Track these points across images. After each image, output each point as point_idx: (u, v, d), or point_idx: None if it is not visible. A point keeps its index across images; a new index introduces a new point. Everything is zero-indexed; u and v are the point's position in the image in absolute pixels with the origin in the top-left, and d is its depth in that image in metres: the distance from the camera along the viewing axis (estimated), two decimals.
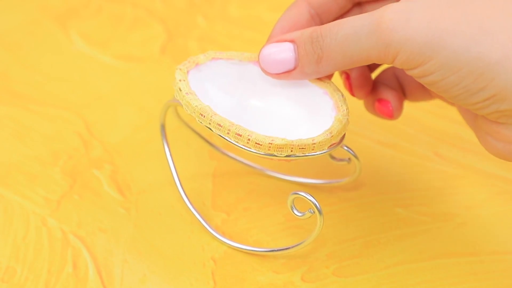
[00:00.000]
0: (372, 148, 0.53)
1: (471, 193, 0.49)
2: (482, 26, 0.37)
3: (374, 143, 0.53)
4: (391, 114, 0.46)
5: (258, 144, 0.41)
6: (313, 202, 0.42)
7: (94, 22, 0.63)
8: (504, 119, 0.38)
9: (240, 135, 0.41)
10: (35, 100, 0.56)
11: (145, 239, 0.47)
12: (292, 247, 0.44)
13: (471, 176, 0.51)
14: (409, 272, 0.45)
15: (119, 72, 0.59)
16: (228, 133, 0.41)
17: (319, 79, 0.44)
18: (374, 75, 0.48)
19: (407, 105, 0.56)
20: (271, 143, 0.41)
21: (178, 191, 0.48)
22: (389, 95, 0.46)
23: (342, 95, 0.43)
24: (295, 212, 0.43)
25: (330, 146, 0.42)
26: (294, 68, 0.42)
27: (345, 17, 0.44)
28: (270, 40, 0.43)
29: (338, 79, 0.56)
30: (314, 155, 0.41)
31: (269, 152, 0.41)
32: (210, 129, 0.42)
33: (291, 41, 0.42)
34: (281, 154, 0.41)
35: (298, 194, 0.42)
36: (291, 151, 0.41)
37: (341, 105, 0.43)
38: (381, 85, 0.46)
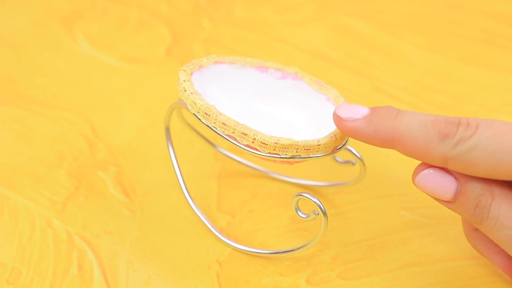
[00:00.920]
0: (377, 150, 0.52)
1: None
2: None
3: None
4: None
5: (264, 143, 0.41)
6: (317, 204, 0.42)
7: (99, 24, 0.63)
8: None
9: (246, 134, 0.41)
10: (40, 101, 0.56)
11: (150, 241, 0.47)
12: (297, 249, 0.45)
13: None
14: (415, 275, 0.45)
15: (124, 74, 0.59)
16: (233, 132, 0.41)
17: (321, 85, 0.45)
18: None
19: (411, 106, 0.56)
20: (277, 143, 0.41)
21: (183, 193, 0.48)
22: None
23: (345, 101, 0.44)
24: (300, 213, 0.43)
25: (334, 148, 0.42)
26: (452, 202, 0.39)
27: None
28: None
29: (338, 85, 0.57)
30: (318, 156, 0.41)
31: (274, 152, 0.41)
32: (215, 129, 0.42)
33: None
34: (286, 154, 0.41)
35: (302, 195, 0.42)
36: (296, 151, 0.41)
37: None
38: None
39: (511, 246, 0.37)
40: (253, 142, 0.41)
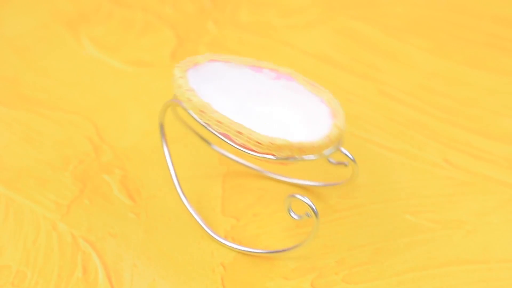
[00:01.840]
0: (381, 154, 0.52)
1: (480, 200, 0.49)
2: None
3: (383, 149, 0.53)
4: None
5: (259, 143, 0.41)
6: (309, 205, 0.42)
7: (104, 27, 0.63)
8: None
9: (241, 133, 0.41)
10: (45, 104, 0.56)
11: (155, 244, 0.47)
12: (288, 249, 0.45)
13: (481, 183, 0.50)
14: (419, 279, 0.45)
15: (129, 77, 0.59)
16: (228, 130, 0.41)
17: (315, 86, 0.45)
18: None
19: (416, 110, 0.56)
20: (272, 143, 0.41)
21: (185, 196, 0.48)
22: None
23: (338, 103, 0.44)
24: (292, 214, 0.43)
25: (327, 149, 0.42)
26: None
27: None
28: None
29: (343, 88, 0.57)
30: (311, 158, 0.41)
31: (269, 152, 0.41)
32: (209, 126, 0.42)
33: None
34: (280, 155, 0.41)
35: (294, 196, 0.42)
36: (290, 152, 0.41)
37: (338, 113, 0.43)
38: None
39: None
40: (247, 141, 0.41)
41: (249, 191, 0.50)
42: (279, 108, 0.45)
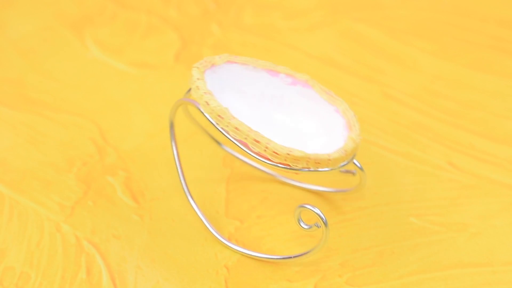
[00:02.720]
0: (385, 157, 0.52)
1: (485, 203, 0.49)
2: None
3: (387, 152, 0.53)
4: None
5: (276, 153, 0.41)
6: (319, 215, 0.42)
7: (109, 29, 0.63)
8: None
9: (259, 142, 0.41)
10: (50, 106, 0.56)
11: (159, 246, 0.47)
12: (295, 256, 0.44)
13: (485, 186, 0.50)
14: (423, 282, 0.45)
15: (133, 79, 0.59)
16: (245, 138, 0.41)
17: (331, 95, 0.45)
18: None
19: (420, 113, 0.56)
20: (289, 154, 0.40)
21: (187, 197, 0.48)
22: None
23: (354, 115, 0.44)
24: (302, 224, 0.43)
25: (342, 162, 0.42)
26: None
27: None
28: None
29: (347, 91, 0.57)
30: (325, 170, 0.41)
31: (284, 162, 0.41)
32: (226, 133, 0.41)
33: None
34: (296, 166, 0.41)
35: (304, 207, 0.42)
36: (307, 164, 0.41)
37: (354, 125, 0.43)
38: None
39: None
40: (265, 150, 0.41)
41: (253, 193, 0.50)
42: (294, 116, 0.44)
